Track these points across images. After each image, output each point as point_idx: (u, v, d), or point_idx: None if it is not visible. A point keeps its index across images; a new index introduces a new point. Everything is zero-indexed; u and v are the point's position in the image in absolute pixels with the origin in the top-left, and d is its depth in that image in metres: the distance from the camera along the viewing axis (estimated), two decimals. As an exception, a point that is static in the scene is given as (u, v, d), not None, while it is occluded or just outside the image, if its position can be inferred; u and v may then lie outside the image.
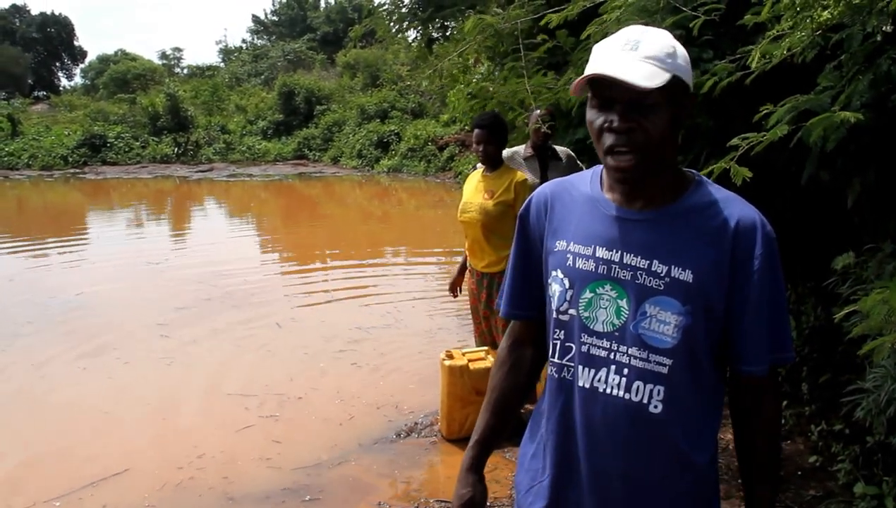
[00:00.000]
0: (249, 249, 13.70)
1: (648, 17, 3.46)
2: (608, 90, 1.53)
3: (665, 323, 1.57)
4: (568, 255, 1.68)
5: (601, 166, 1.68)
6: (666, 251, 1.58)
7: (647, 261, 1.59)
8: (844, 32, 2.81)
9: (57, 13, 69.69)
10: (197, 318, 8.14)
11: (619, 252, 1.61)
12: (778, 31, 2.83)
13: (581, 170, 5.65)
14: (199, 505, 4.25)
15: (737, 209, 1.60)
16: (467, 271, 5.08)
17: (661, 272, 1.58)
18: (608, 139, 1.54)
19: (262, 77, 43.50)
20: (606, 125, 1.54)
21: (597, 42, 3.78)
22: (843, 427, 3.95)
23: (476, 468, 1.90)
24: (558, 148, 5.56)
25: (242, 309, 8.47)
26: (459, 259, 5.31)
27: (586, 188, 1.71)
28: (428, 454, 4.82)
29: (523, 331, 1.88)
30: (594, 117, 1.58)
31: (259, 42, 60.31)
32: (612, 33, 3.60)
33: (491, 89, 5.06)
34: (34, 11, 67.87)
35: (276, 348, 7.07)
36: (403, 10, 6.76)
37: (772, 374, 1.65)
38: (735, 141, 2.82)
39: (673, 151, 1.62)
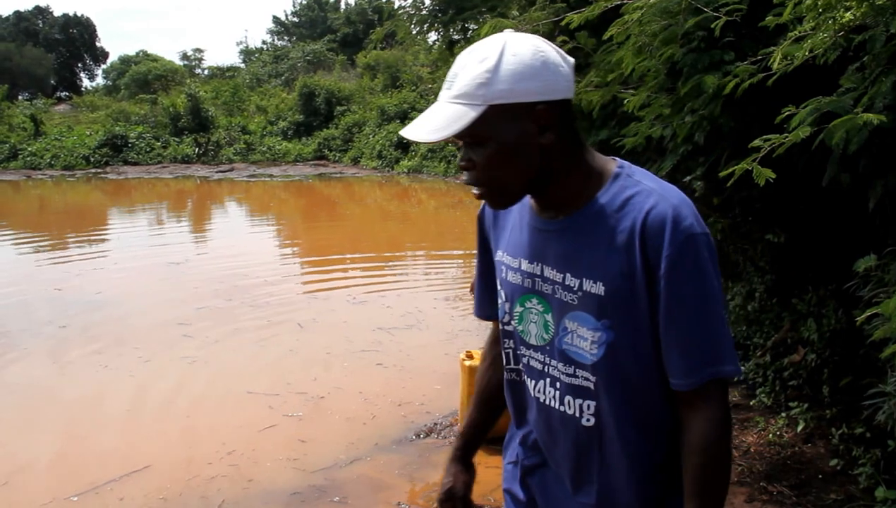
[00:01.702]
0: (270, 249, 13.77)
1: (670, 18, 3.45)
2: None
3: (583, 338, 1.49)
4: (502, 267, 1.65)
5: None
6: (577, 262, 1.49)
7: (562, 275, 1.51)
8: (867, 34, 2.79)
9: (79, 14, 70.25)
10: (218, 318, 8.19)
11: (540, 265, 1.55)
12: (800, 33, 2.82)
13: None
14: (220, 505, 4.28)
15: (647, 204, 1.43)
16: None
17: (574, 286, 1.49)
18: (465, 174, 1.49)
19: (283, 78, 43.63)
20: (461, 163, 1.50)
21: (618, 43, 3.79)
22: (865, 430, 3.93)
23: (459, 458, 1.94)
24: None
25: (263, 309, 8.51)
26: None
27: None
28: (447, 454, 4.83)
29: (497, 329, 1.84)
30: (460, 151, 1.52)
31: (279, 43, 60.51)
32: (634, 34, 3.61)
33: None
34: (57, 13, 68.41)
35: (298, 348, 7.10)
36: (424, 12, 6.78)
37: (704, 390, 1.45)
38: (757, 142, 2.82)
39: (546, 166, 1.46)
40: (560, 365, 1.55)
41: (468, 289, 5.38)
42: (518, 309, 1.61)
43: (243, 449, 4.93)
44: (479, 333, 7.20)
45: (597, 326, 1.47)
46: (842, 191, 3.32)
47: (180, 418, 5.53)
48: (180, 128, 32.84)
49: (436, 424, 5.23)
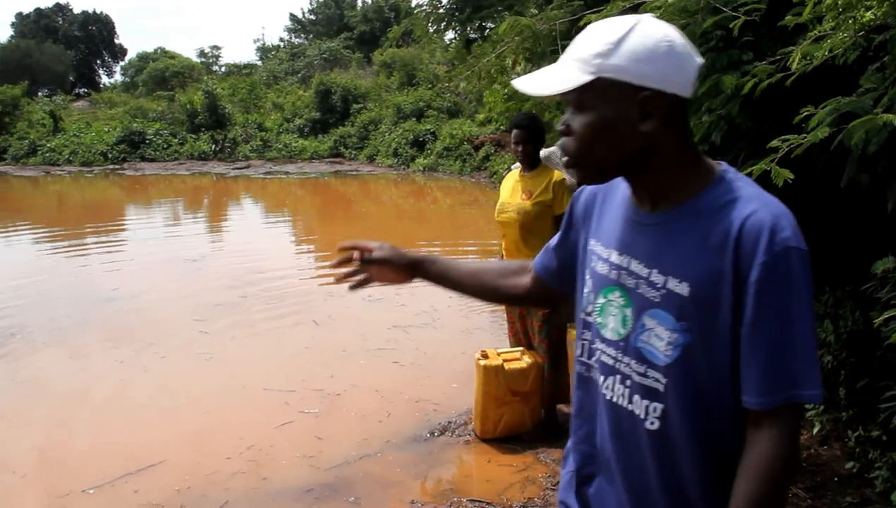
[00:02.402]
0: (285, 246, 13.81)
1: (689, 17, 3.44)
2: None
3: (660, 338, 1.46)
4: (593, 256, 1.63)
5: None
6: (666, 260, 1.46)
7: (648, 270, 1.49)
8: (888, 33, 2.77)
9: (98, 12, 70.63)
10: (234, 314, 8.22)
11: (628, 258, 1.53)
12: (819, 32, 2.81)
13: None
14: (234, 499, 4.30)
15: (748, 209, 1.39)
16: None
17: (659, 283, 1.46)
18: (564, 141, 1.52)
19: (299, 75, 43.71)
20: (560, 129, 1.51)
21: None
22: (881, 433, 3.91)
23: (409, 256, 2.04)
24: None
25: (279, 306, 8.54)
26: (495, 258, 5.31)
27: (624, 186, 1.60)
28: (461, 453, 4.84)
29: (535, 282, 1.90)
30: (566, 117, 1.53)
31: (296, 40, 60.67)
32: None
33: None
34: (76, 10, 68.86)
35: (314, 345, 7.12)
36: (441, 10, 6.79)
37: (776, 412, 1.38)
38: (775, 142, 2.81)
39: (641, 155, 1.46)
40: (633, 363, 1.52)
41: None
42: (600, 300, 1.59)
43: (260, 445, 4.95)
44: (493, 331, 7.20)
45: (675, 327, 1.44)
46: (860, 191, 3.30)
47: (196, 414, 5.56)
48: (197, 124, 32.96)
49: (450, 422, 5.23)
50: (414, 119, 28.98)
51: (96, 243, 13.81)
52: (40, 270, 11.01)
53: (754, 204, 1.40)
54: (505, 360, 4.79)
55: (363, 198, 21.32)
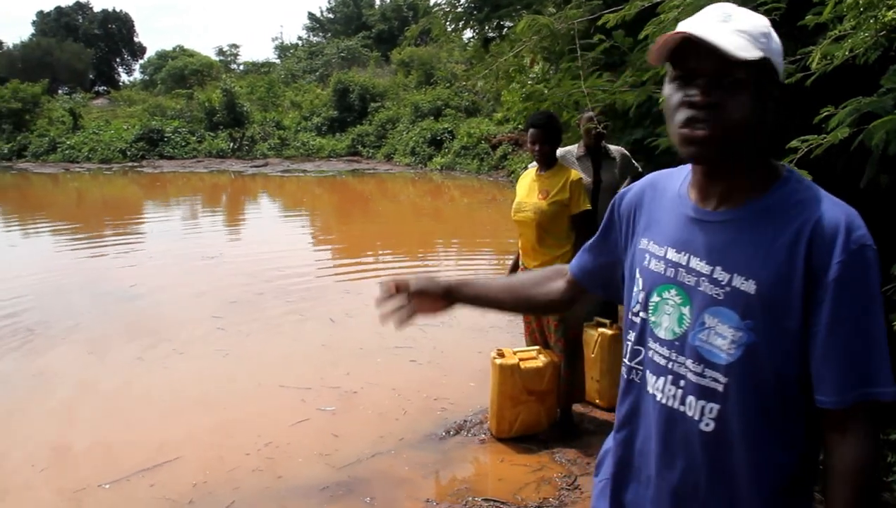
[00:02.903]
0: (303, 244, 13.85)
1: (707, 17, 3.42)
2: (692, 61, 1.42)
3: (722, 336, 1.44)
4: (646, 255, 1.60)
5: None
6: (731, 257, 1.44)
7: (711, 267, 1.46)
8: (909, 34, 2.76)
9: (118, 10, 71.09)
10: (251, 312, 8.24)
11: (687, 255, 1.51)
12: (840, 32, 2.79)
13: (636, 169, 5.64)
14: (248, 496, 4.31)
15: (820, 209, 1.40)
16: (519, 270, 5.07)
17: (723, 280, 1.44)
18: (684, 113, 1.43)
19: (317, 74, 43.86)
20: (686, 99, 1.43)
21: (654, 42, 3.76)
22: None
23: (444, 283, 2.01)
24: (611, 146, 5.55)
25: (296, 304, 8.55)
26: (511, 256, 5.30)
27: (676, 184, 1.61)
28: (477, 452, 4.83)
29: (573, 286, 1.90)
30: (671, 92, 1.47)
31: (315, 39, 60.89)
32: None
33: (545, 91, 5.05)
34: (96, 8, 69.35)
35: (331, 343, 7.13)
36: (459, 9, 6.78)
37: (854, 412, 1.38)
38: (794, 143, 2.79)
39: (756, 143, 1.45)
40: (688, 362, 1.50)
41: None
42: (654, 299, 1.57)
43: (277, 443, 4.96)
44: (509, 330, 7.18)
45: (739, 325, 1.42)
46: (881, 192, 3.28)
47: (213, 410, 5.57)
48: (215, 123, 33.15)
49: (465, 421, 5.23)
50: (431, 118, 29.01)
51: (114, 240, 13.90)
52: (59, 266, 11.09)
53: (826, 203, 1.42)
54: (521, 359, 4.78)
55: (380, 197, 21.35)
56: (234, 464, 4.66)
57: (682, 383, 1.51)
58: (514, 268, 5.17)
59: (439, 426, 5.20)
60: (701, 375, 1.48)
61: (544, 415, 4.87)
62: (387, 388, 5.89)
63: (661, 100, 3.88)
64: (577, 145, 5.49)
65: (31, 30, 69.40)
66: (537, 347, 4.95)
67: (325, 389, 5.88)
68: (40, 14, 66.32)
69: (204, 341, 7.25)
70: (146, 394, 5.94)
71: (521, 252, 4.96)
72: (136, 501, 4.28)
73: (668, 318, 1.54)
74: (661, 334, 1.55)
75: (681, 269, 1.52)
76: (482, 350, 6.47)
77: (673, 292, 1.53)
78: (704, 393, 1.47)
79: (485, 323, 7.62)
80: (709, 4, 1.51)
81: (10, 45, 61.42)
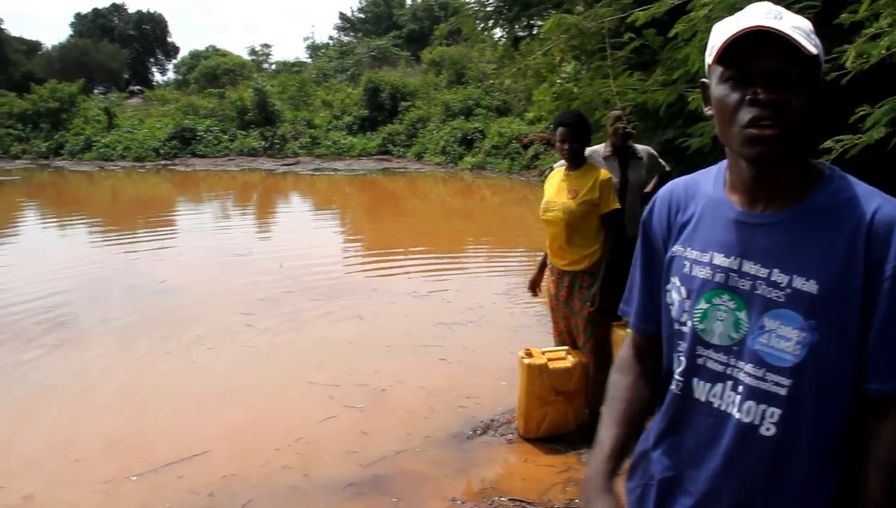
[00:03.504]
0: (332, 242, 13.91)
1: (740, 14, 3.38)
2: (753, 59, 1.39)
3: (785, 338, 1.42)
4: (685, 262, 1.57)
5: (725, 163, 1.58)
6: (789, 259, 1.43)
7: (768, 270, 1.44)
8: (947, 31, 2.71)
9: (152, 11, 71.77)
10: (280, 309, 8.28)
11: (738, 259, 1.48)
12: (876, 30, 2.75)
13: (663, 168, 5.60)
14: (274, 492, 4.33)
15: (874, 205, 1.41)
16: (547, 269, 5.05)
17: (782, 282, 1.43)
18: (750, 112, 1.39)
19: (348, 73, 43.99)
20: (748, 98, 1.39)
21: (685, 40, 3.73)
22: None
23: (608, 488, 1.66)
24: (638, 146, 5.51)
25: (324, 302, 8.58)
26: (542, 256, 5.28)
27: (709, 187, 1.58)
28: (503, 452, 4.82)
29: (649, 344, 1.75)
30: (727, 92, 1.43)
31: (346, 39, 61.03)
32: (702, 31, 3.55)
33: (575, 91, 5.02)
34: (131, 10, 70.05)
35: (359, 340, 7.15)
36: (489, 8, 6.77)
37: None
38: (829, 143, 2.76)
39: (805, 141, 1.46)
40: (748, 367, 1.47)
41: (527, 287, 5.34)
42: (702, 305, 1.53)
43: (306, 439, 4.99)
44: (538, 329, 7.17)
45: (803, 326, 1.41)
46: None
47: (241, 406, 5.61)
48: (247, 121, 33.32)
49: (493, 421, 5.22)
50: (462, 117, 28.99)
51: (147, 236, 14.03)
52: (92, 261, 11.24)
53: (877, 199, 1.42)
54: (549, 359, 4.76)
55: (411, 196, 21.38)
56: (263, 459, 4.68)
57: (740, 388, 1.48)
58: (543, 267, 5.15)
59: (467, 425, 5.19)
60: (762, 379, 1.45)
61: (572, 416, 4.85)
62: (415, 386, 5.90)
63: (690, 99, 3.85)
64: (603, 145, 5.45)
65: (69, 31, 70.43)
66: (566, 347, 4.93)
67: (353, 386, 5.89)
68: (78, 16, 67.21)
69: (233, 337, 7.29)
70: (175, 389, 5.99)
71: (548, 251, 4.94)
72: (163, 493, 4.32)
73: (721, 325, 1.51)
74: (716, 341, 1.51)
75: (732, 274, 1.49)
76: (514, 350, 6.46)
77: (725, 297, 1.50)
78: (765, 397, 1.45)
79: (515, 323, 7.61)
80: (741, 3, 1.49)
81: (49, 47, 62.39)
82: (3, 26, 59.49)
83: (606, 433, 1.72)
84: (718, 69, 1.45)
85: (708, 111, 1.54)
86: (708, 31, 3.47)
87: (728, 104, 1.43)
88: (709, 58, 1.48)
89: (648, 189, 5.58)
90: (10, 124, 33.56)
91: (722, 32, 1.43)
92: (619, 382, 1.78)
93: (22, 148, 32.67)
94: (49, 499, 4.33)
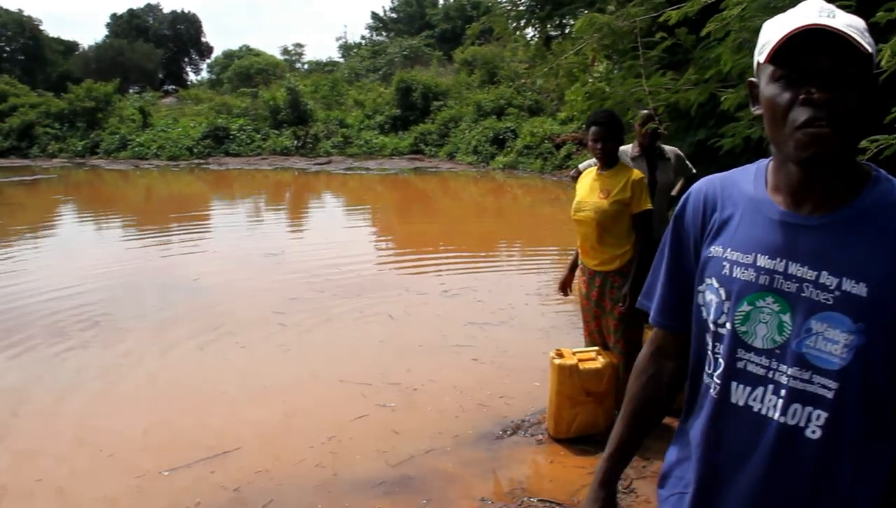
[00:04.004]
0: (364, 242, 13.95)
1: (773, 13, 3.36)
2: (804, 59, 1.37)
3: (833, 341, 1.40)
4: (724, 263, 1.53)
5: (765, 161, 1.56)
6: (837, 261, 1.41)
7: (815, 272, 1.42)
8: None
9: (186, 11, 72.69)
10: (312, 308, 8.33)
11: (784, 261, 1.45)
12: (912, 29, 2.72)
13: (689, 170, 5.56)
14: (303, 489, 4.35)
15: None
16: (578, 269, 5.04)
17: (831, 285, 1.40)
18: (804, 112, 1.37)
19: (381, 73, 44.13)
20: (802, 97, 1.37)
21: (717, 39, 3.71)
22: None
23: (607, 483, 1.80)
24: (666, 147, 5.47)
25: (356, 301, 8.62)
26: (571, 257, 5.27)
27: (749, 187, 1.55)
28: (533, 452, 4.81)
29: (669, 342, 1.75)
30: (778, 92, 1.41)
31: (378, 38, 61.28)
32: (735, 30, 3.53)
33: (607, 90, 5.00)
34: (166, 10, 70.88)
35: (391, 339, 7.18)
36: (521, 8, 6.76)
37: None
38: (864, 143, 2.73)
39: (857, 142, 1.45)
40: (792, 370, 1.45)
41: (557, 287, 5.33)
42: (745, 307, 1.50)
43: (339, 437, 5.01)
44: (569, 331, 7.15)
45: (851, 329, 1.39)
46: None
47: (273, 404, 5.65)
48: (280, 121, 33.55)
49: (523, 421, 5.21)
50: (494, 116, 28.99)
51: (180, 235, 14.18)
52: (126, 259, 11.39)
53: None
54: (580, 360, 4.75)
55: (442, 195, 21.41)
56: (295, 457, 4.72)
57: (783, 392, 1.46)
58: (573, 267, 5.14)
59: (497, 425, 5.19)
60: (808, 382, 1.44)
61: (602, 417, 4.84)
62: (447, 386, 5.91)
63: (723, 99, 3.83)
64: (631, 145, 5.40)
65: (105, 32, 71.32)
66: (596, 348, 4.92)
67: (386, 385, 5.92)
68: (114, 16, 68.10)
69: (265, 335, 7.35)
70: (208, 386, 6.05)
71: (580, 251, 4.93)
72: (192, 489, 4.36)
73: (764, 327, 1.48)
74: (758, 343, 1.49)
75: (777, 276, 1.47)
76: (546, 350, 6.46)
77: (769, 300, 1.48)
78: (811, 400, 1.43)
79: (546, 323, 7.60)
80: (775, 2, 1.48)
81: (86, 47, 63.33)
82: (41, 27, 60.45)
83: (613, 432, 1.82)
84: (769, 68, 1.43)
85: (756, 111, 1.53)
86: (742, 29, 3.46)
87: (780, 104, 1.41)
88: (759, 56, 1.46)
89: (675, 191, 5.54)
90: (48, 123, 34.11)
91: (774, 31, 1.42)
92: (633, 383, 1.80)
93: (59, 147, 33.20)
94: (83, 493, 4.39)
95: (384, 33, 62.19)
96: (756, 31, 3.43)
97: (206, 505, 4.21)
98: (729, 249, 1.54)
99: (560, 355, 4.80)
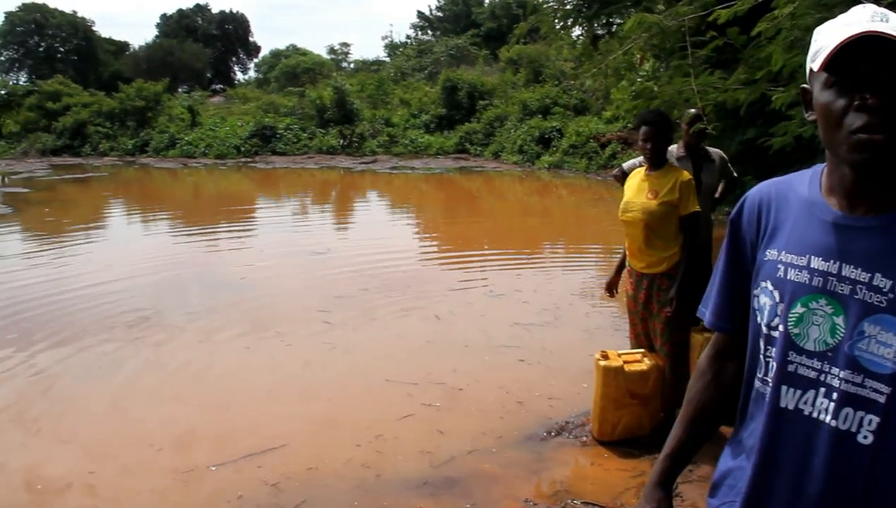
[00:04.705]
0: (409, 240, 13.99)
1: (826, 11, 3.31)
2: (857, 65, 1.37)
3: (886, 345, 1.38)
4: (779, 265, 1.53)
5: (821, 166, 1.54)
6: (891, 263, 1.39)
7: (869, 275, 1.41)
8: None
9: (234, 11, 73.46)
10: (357, 307, 8.37)
11: (838, 263, 1.44)
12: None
13: (731, 173, 5.49)
14: (349, 487, 4.38)
15: None
16: (625, 271, 5.00)
17: (885, 287, 1.39)
18: (858, 118, 1.36)
19: (426, 72, 44.15)
20: (856, 103, 1.36)
21: (768, 38, 3.66)
22: None
23: (663, 483, 1.78)
24: (710, 149, 5.40)
25: (401, 301, 8.65)
26: (618, 257, 5.23)
27: (804, 190, 1.54)
28: (577, 454, 4.79)
29: (728, 344, 1.74)
30: (833, 98, 1.40)
31: (424, 37, 61.29)
32: (786, 29, 3.48)
33: (655, 89, 4.96)
34: (214, 10, 71.71)
35: (436, 339, 7.19)
36: (568, 7, 6.74)
37: None
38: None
39: None
40: (844, 373, 1.43)
41: (604, 288, 5.30)
42: (798, 310, 1.49)
43: (385, 436, 5.03)
44: (613, 332, 7.10)
45: None
46: None
47: (319, 401, 5.69)
48: (326, 120, 33.75)
49: (567, 423, 5.19)
50: (540, 116, 28.86)
51: (227, 233, 14.35)
52: (174, 257, 11.59)
53: None
54: (625, 362, 4.72)
55: (487, 195, 21.39)
56: (336, 456, 4.74)
57: (834, 395, 1.44)
58: (620, 268, 5.11)
59: (542, 426, 5.18)
60: (860, 385, 1.42)
61: (647, 420, 4.80)
62: (493, 386, 5.90)
63: (774, 98, 3.78)
64: (676, 146, 5.33)
65: (154, 32, 72.51)
66: (642, 350, 4.88)
67: (431, 385, 5.93)
68: (163, 17, 69.11)
69: (311, 333, 7.40)
70: (254, 383, 6.11)
71: (627, 252, 4.89)
72: (235, 483, 4.42)
73: (817, 329, 1.47)
74: (810, 346, 1.47)
75: (831, 278, 1.45)
76: (592, 351, 6.42)
77: (822, 302, 1.46)
78: (862, 404, 1.41)
79: (591, 325, 7.56)
80: None
81: (136, 47, 64.38)
82: (94, 28, 61.56)
83: (671, 434, 1.80)
84: (822, 75, 1.43)
85: (810, 117, 1.52)
86: (793, 28, 3.41)
87: (834, 110, 1.40)
88: (813, 64, 1.45)
89: (718, 194, 5.47)
90: (99, 122, 34.72)
91: (826, 38, 1.41)
92: (692, 385, 1.80)
93: (110, 145, 33.77)
94: (132, 485, 4.47)
95: (430, 32, 62.20)
96: (807, 30, 3.39)
97: (247, 499, 4.26)
98: (783, 252, 1.53)
99: (605, 357, 4.77)
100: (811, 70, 1.47)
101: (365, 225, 16.49)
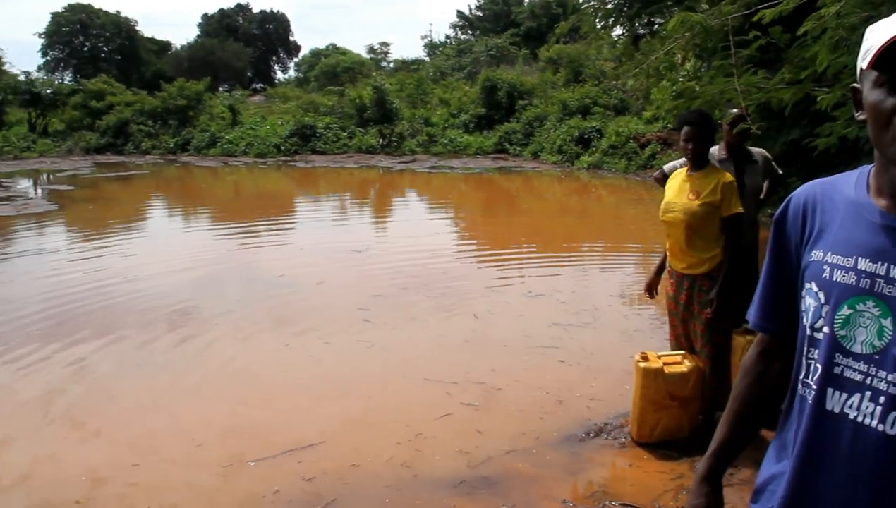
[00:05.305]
0: (448, 240, 13.98)
1: (872, 9, 3.27)
2: None
3: None
4: (825, 267, 1.52)
5: (868, 168, 1.54)
6: None
7: None
8: None
9: (275, 11, 74.03)
10: (395, 305, 8.41)
11: (886, 265, 1.43)
12: None
13: (776, 172, 5.42)
14: (386, 486, 4.40)
15: None
16: (666, 272, 4.97)
17: None
18: None
19: (466, 71, 44.13)
20: None
21: (814, 38, 3.62)
22: None
23: (710, 479, 1.82)
24: (753, 149, 5.33)
25: (440, 299, 8.67)
26: (657, 258, 5.20)
27: (850, 191, 1.53)
28: (615, 455, 4.77)
29: (771, 344, 1.75)
30: (882, 98, 1.39)
31: (463, 37, 61.27)
32: (831, 28, 3.44)
33: (697, 89, 4.93)
34: (255, 10, 72.39)
35: (475, 339, 7.19)
36: (609, 6, 6.71)
37: None
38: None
39: None
40: (892, 376, 1.41)
41: (643, 289, 5.27)
42: (845, 311, 1.48)
43: (424, 435, 5.06)
44: (652, 334, 7.06)
45: None
46: None
47: (358, 399, 5.73)
48: (366, 119, 33.86)
49: (606, 424, 5.17)
50: (579, 116, 28.70)
51: (266, 231, 14.47)
52: (213, 254, 11.71)
53: None
54: (665, 363, 4.69)
55: (526, 195, 21.33)
56: (375, 454, 4.77)
57: (881, 399, 1.42)
58: (660, 270, 5.07)
59: (580, 427, 5.16)
60: None
61: (686, 422, 4.77)
62: (532, 387, 5.89)
63: (819, 99, 3.74)
64: (717, 147, 5.26)
65: (196, 31, 73.33)
66: (682, 351, 4.84)
67: (470, 384, 5.93)
68: (205, 16, 69.95)
69: (349, 332, 7.44)
70: (293, 380, 6.17)
71: (668, 253, 4.86)
72: (273, 478, 4.48)
73: (864, 332, 1.45)
74: (857, 349, 1.46)
75: (879, 280, 1.44)
76: (633, 353, 6.39)
77: (870, 304, 1.45)
78: None
79: (630, 326, 7.52)
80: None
81: (178, 47, 65.19)
82: (137, 28, 62.40)
83: (717, 432, 1.82)
84: (872, 74, 1.41)
85: (859, 116, 1.51)
86: (838, 27, 3.37)
87: (883, 109, 1.39)
88: (862, 63, 1.44)
89: (763, 195, 5.40)
90: (142, 121, 35.12)
91: (877, 36, 1.40)
92: (739, 383, 1.80)
93: (152, 143, 34.16)
94: (174, 479, 4.56)
95: (469, 31, 62.17)
96: (853, 29, 3.36)
97: (283, 493, 4.31)
98: (829, 253, 1.52)
99: (645, 358, 4.75)
100: (861, 69, 1.46)
101: (403, 223, 16.54)
